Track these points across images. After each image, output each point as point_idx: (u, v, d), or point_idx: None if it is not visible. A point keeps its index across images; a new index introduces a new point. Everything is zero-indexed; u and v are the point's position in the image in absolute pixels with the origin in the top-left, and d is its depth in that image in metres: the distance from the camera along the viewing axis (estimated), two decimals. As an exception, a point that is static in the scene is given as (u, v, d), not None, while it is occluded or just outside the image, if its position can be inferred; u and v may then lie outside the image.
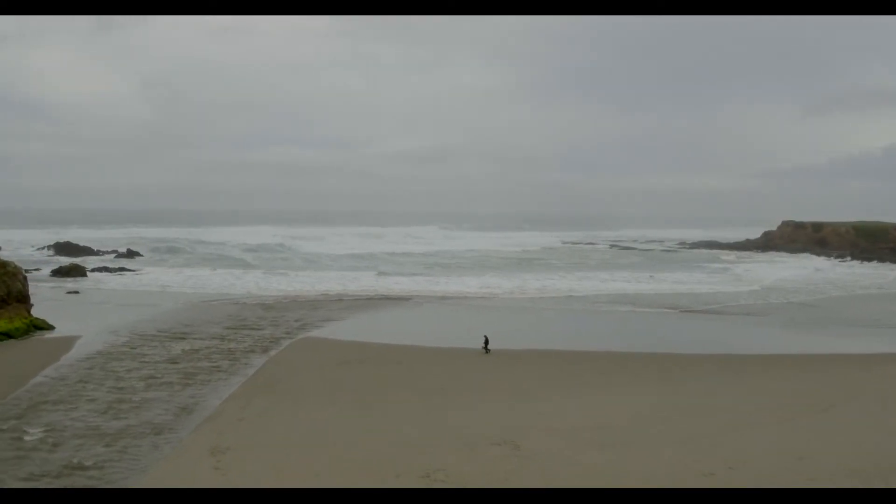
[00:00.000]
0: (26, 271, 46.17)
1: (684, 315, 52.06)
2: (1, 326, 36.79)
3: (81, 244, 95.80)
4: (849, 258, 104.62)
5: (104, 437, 21.55)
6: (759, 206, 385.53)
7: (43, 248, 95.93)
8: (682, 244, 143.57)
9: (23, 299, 39.86)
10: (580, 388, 28.70)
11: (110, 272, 71.21)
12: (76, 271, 68.21)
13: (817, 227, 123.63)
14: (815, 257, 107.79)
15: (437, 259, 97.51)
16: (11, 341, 36.19)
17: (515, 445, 20.06)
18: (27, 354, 33.58)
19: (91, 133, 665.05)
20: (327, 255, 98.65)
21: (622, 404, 25.63)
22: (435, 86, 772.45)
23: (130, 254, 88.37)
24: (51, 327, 39.84)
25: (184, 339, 37.86)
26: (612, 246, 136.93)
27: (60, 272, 67.84)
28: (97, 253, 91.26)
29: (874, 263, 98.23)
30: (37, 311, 41.20)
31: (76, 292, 57.08)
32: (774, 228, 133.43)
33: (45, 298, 49.24)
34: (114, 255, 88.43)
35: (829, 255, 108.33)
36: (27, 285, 41.27)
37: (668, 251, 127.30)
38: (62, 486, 17.74)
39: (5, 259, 43.98)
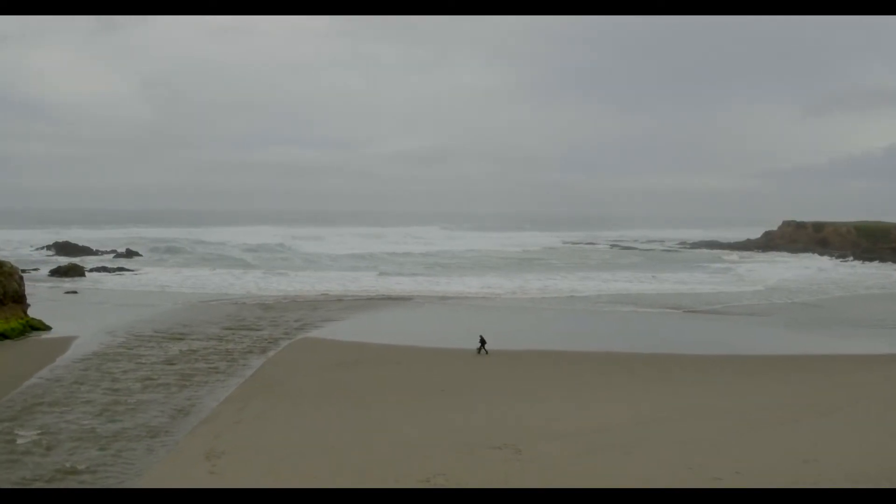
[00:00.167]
0: (24, 271, 45.90)
1: (686, 315, 51.73)
2: (-3, 327, 36.43)
3: (81, 244, 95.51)
4: (850, 258, 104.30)
5: (99, 440, 21.22)
6: (759, 206, 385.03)
7: (42, 248, 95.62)
8: (683, 244, 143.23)
9: (19, 299, 39.53)
10: (581, 389, 28.39)
11: (109, 272, 70.90)
12: (74, 271, 67.87)
13: (818, 227, 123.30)
14: (818, 257, 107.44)
15: (438, 259, 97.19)
16: (7, 342, 35.86)
17: (516, 449, 19.73)
18: (22, 355, 33.26)
19: (91, 133, 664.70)
20: (327, 255, 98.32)
21: (624, 406, 25.32)
22: (435, 86, 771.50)
23: (129, 254, 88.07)
24: (47, 328, 39.52)
25: (181, 339, 37.54)
26: (612, 246, 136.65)
27: (59, 272, 67.53)
28: (96, 253, 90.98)
29: (876, 263, 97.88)
30: (34, 312, 40.88)
31: (74, 292, 56.77)
32: (775, 228, 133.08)
33: (43, 299, 48.94)
34: (113, 255, 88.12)
35: (830, 255, 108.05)
36: (23, 285, 40.94)
37: (669, 251, 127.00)
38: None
39: (2, 259, 43.64)
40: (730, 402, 26.19)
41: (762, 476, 17.64)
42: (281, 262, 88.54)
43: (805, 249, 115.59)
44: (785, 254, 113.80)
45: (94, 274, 69.29)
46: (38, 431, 21.86)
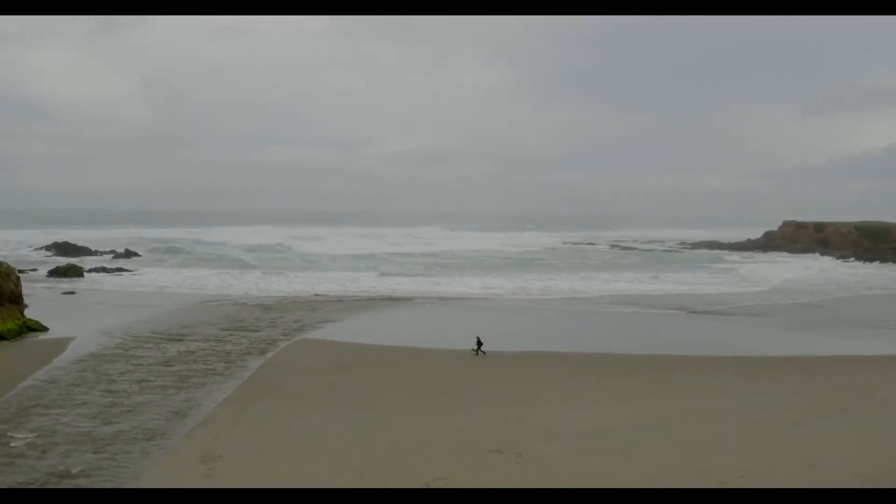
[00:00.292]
0: (22, 272, 45.70)
1: (687, 316, 51.46)
2: (-6, 328, 36.19)
3: (80, 244, 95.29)
4: (851, 258, 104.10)
5: (94, 443, 20.97)
6: (759, 206, 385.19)
7: (41, 248, 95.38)
8: (683, 244, 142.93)
9: (16, 300, 39.30)
10: (582, 391, 28.15)
11: (108, 272, 70.64)
12: (73, 272, 67.60)
13: (819, 227, 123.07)
14: (820, 257, 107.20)
15: (439, 259, 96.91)
16: (3, 343, 35.59)
17: (516, 452, 19.49)
18: (19, 356, 33.00)
19: (91, 133, 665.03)
20: (327, 256, 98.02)
21: (625, 407, 25.07)
22: (435, 86, 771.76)
23: (128, 254, 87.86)
24: (44, 329, 39.27)
25: (179, 340, 37.28)
26: (612, 246, 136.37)
27: (57, 273, 67.27)
28: (95, 253, 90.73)
29: (876, 264, 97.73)
30: (31, 313, 40.65)
31: (72, 293, 56.50)
32: (775, 228, 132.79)
33: (41, 299, 48.72)
34: (112, 255, 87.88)
35: (831, 256, 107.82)
36: (20, 286, 40.72)
37: (670, 251, 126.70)
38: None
39: (-1, 259, 43.41)
40: (731, 404, 25.94)
41: (766, 479, 17.40)
42: (280, 262, 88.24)
43: (806, 250, 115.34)
44: (786, 254, 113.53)
45: (93, 274, 69.00)
46: (33, 434, 21.61)
